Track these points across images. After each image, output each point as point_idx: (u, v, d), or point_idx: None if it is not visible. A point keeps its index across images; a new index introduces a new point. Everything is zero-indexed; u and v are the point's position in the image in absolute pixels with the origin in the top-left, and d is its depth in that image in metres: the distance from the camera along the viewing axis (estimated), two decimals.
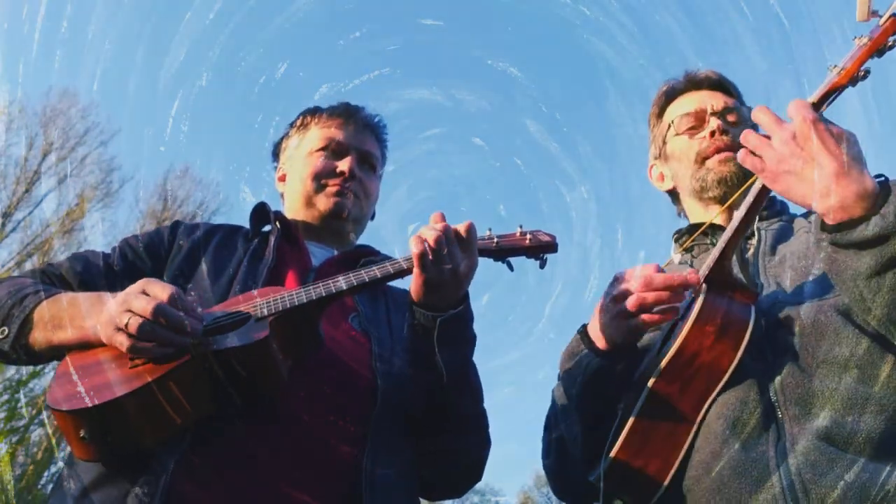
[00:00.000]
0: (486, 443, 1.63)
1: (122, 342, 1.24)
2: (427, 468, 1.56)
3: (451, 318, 1.41)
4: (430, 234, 1.35)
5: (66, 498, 1.28)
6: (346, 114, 1.88)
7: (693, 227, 1.68)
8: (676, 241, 1.72)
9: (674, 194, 1.83)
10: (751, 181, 1.55)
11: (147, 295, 1.26)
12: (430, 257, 1.35)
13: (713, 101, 1.70)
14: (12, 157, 15.89)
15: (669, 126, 1.74)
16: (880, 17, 1.19)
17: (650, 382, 1.29)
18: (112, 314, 1.26)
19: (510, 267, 1.52)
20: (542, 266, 1.52)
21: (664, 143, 1.76)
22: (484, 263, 1.49)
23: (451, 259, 1.36)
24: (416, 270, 1.38)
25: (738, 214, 1.33)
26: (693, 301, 1.33)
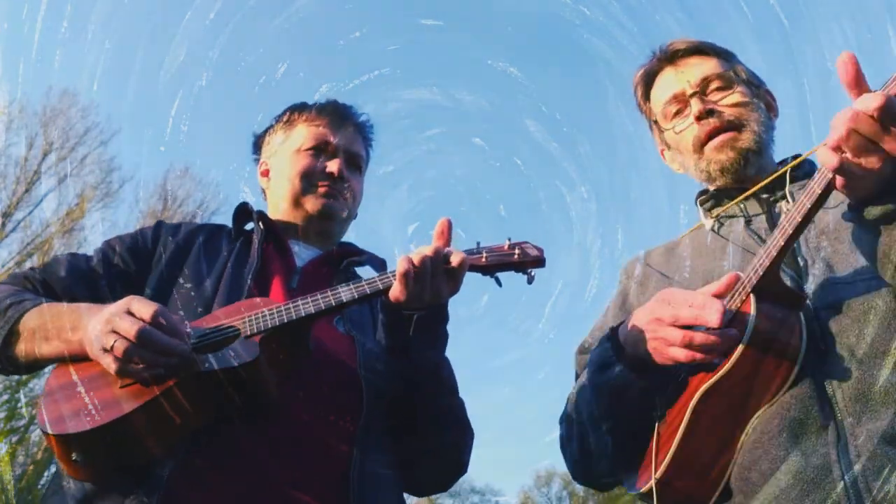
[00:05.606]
0: (465, 433, 1.61)
1: (110, 364, 1.21)
2: (412, 467, 1.55)
3: (425, 317, 1.43)
4: (417, 256, 1.36)
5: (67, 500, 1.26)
6: (335, 113, 1.84)
7: (719, 194, 1.57)
8: (702, 204, 1.62)
9: None
10: (788, 167, 1.40)
11: (132, 315, 1.22)
12: (413, 279, 1.36)
13: (689, 75, 1.59)
14: (12, 157, 15.90)
15: (657, 120, 1.67)
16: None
17: (694, 401, 1.21)
18: (98, 333, 1.22)
19: (498, 283, 1.51)
20: (529, 281, 1.49)
21: (661, 131, 1.69)
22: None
23: (435, 285, 1.38)
24: (398, 286, 1.38)
25: (792, 219, 1.13)
26: (736, 314, 1.20)
